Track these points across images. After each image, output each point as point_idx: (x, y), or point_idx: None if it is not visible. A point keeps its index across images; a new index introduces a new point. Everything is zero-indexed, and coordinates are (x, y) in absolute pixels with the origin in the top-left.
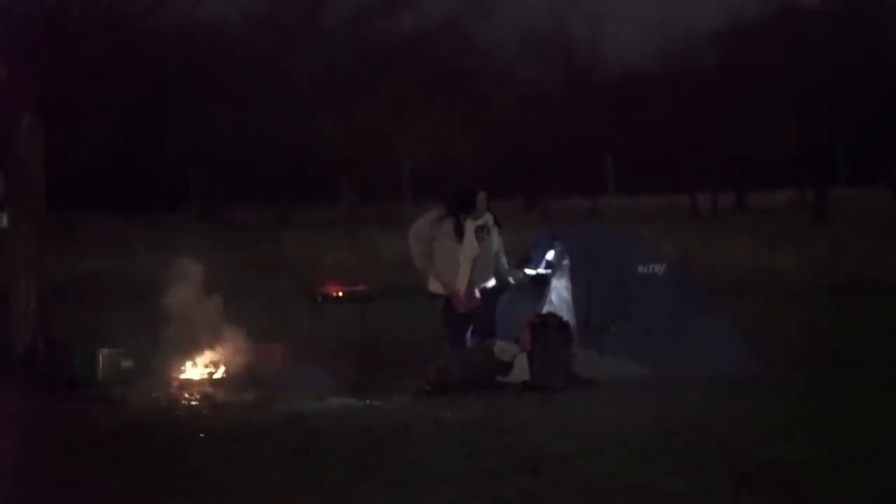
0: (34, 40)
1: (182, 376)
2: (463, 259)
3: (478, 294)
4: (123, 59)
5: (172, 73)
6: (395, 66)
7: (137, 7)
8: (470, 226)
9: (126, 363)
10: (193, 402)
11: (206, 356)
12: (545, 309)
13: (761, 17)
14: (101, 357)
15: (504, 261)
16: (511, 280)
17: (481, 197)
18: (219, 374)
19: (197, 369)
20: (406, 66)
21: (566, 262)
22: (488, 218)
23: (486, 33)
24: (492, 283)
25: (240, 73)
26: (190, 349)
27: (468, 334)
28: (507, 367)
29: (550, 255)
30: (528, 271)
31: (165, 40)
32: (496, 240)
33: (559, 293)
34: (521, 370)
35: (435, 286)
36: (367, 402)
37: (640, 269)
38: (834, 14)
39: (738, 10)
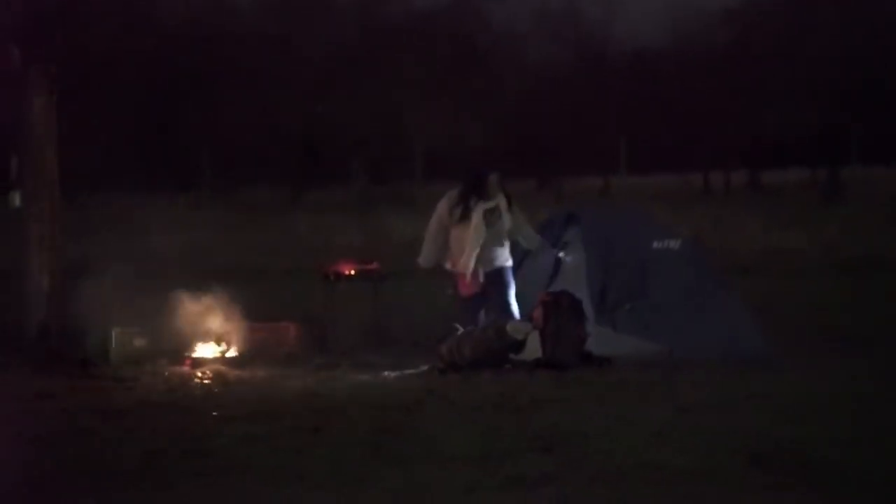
0: (47, 21)
1: (195, 355)
2: (469, 242)
3: (482, 278)
4: (135, 39)
5: (184, 55)
6: (407, 46)
7: None
8: (479, 209)
9: (139, 342)
10: (206, 381)
11: (219, 335)
12: (558, 286)
13: None
14: (113, 336)
15: (527, 233)
16: (527, 245)
17: (492, 179)
18: (231, 353)
19: (209, 348)
20: (418, 46)
21: (581, 239)
22: (500, 200)
23: (498, 13)
24: (509, 263)
25: (251, 53)
26: (202, 328)
27: (481, 314)
28: (520, 345)
29: (567, 236)
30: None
31: (176, 22)
32: (507, 221)
33: (573, 270)
34: (533, 348)
35: (450, 265)
36: (380, 380)
37: (656, 244)
38: None
39: None
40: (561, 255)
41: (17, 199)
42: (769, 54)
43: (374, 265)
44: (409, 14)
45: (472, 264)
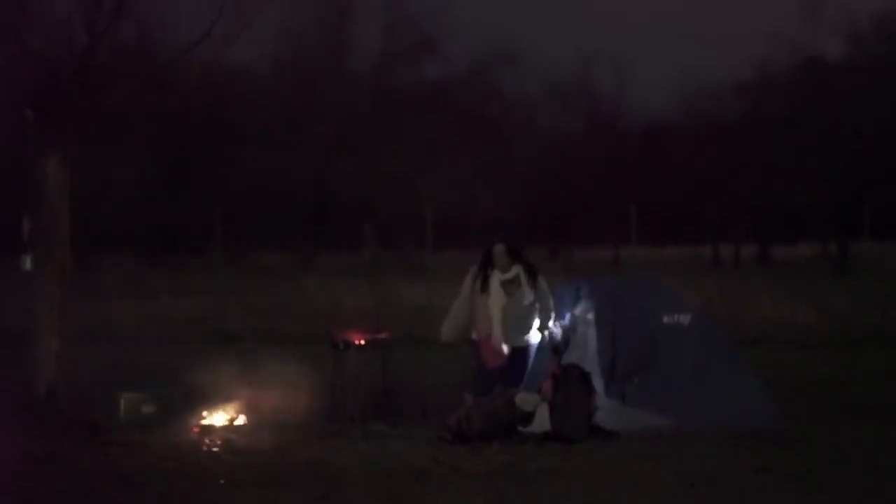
0: (62, 84)
1: (203, 422)
2: (492, 311)
3: (506, 350)
4: (151, 103)
5: (199, 118)
6: (420, 114)
7: (164, 52)
8: (496, 279)
9: (148, 407)
10: (215, 448)
11: (228, 402)
12: (568, 359)
13: (787, 70)
14: (122, 401)
15: (547, 306)
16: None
17: (497, 250)
18: (240, 420)
19: (218, 415)
20: (430, 114)
21: (591, 312)
22: (518, 270)
23: (510, 82)
24: (535, 340)
25: (265, 118)
26: (211, 394)
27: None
28: (529, 417)
29: (578, 309)
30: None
31: (191, 86)
32: (529, 292)
33: (583, 342)
34: (542, 421)
35: (475, 334)
36: (388, 449)
37: (666, 319)
38: (859, 67)
39: (764, 62)
40: (569, 325)
41: (27, 262)
42: (782, 128)
43: (385, 334)
44: (422, 82)
45: (499, 335)
